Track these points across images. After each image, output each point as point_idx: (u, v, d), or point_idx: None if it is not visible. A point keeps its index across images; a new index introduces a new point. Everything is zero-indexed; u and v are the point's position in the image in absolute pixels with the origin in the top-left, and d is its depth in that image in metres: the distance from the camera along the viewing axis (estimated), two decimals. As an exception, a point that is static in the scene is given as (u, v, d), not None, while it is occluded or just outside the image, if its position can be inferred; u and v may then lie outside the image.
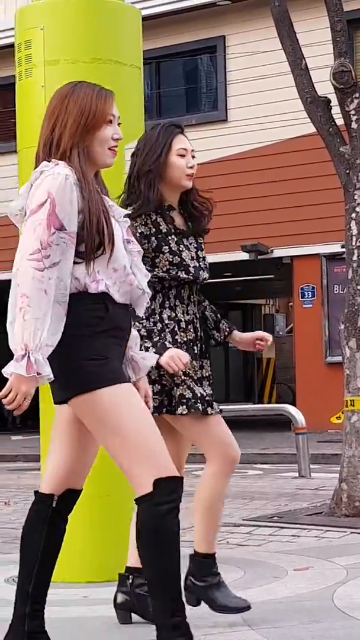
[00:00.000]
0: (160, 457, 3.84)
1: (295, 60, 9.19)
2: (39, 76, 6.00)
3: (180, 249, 4.83)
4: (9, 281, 3.88)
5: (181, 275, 4.79)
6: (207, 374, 4.89)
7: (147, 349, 4.61)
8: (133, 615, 4.88)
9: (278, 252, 18.81)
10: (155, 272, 4.70)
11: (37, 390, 3.78)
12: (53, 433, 4.20)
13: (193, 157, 4.93)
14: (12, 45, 6.66)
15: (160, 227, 4.80)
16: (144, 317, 4.66)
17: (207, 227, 5.04)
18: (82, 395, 3.84)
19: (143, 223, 4.77)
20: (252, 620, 4.85)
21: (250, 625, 4.77)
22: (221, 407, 4.80)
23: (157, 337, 4.72)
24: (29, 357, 3.67)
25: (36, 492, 4.15)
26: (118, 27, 6.11)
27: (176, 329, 4.81)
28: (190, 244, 4.92)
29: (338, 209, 9.64)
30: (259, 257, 18.89)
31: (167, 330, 4.78)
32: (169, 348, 4.63)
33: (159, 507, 3.79)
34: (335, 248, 16.47)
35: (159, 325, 4.78)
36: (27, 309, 3.72)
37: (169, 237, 4.81)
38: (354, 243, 8.59)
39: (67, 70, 5.86)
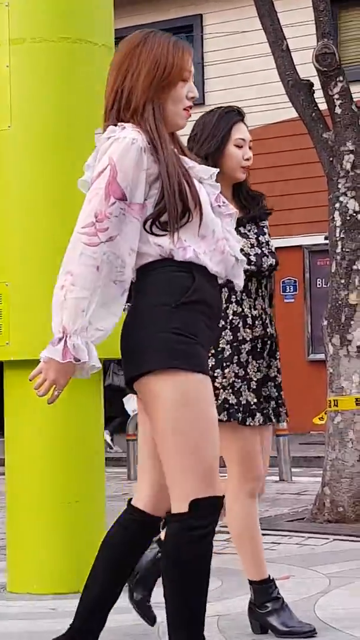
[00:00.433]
0: (213, 474, 3.57)
1: (276, 41, 9.20)
2: (4, 56, 5.92)
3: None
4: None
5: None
6: (273, 374, 4.80)
7: None
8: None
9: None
10: None
11: None
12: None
13: (250, 147, 4.84)
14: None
15: None
16: None
17: (268, 208, 4.93)
18: (155, 375, 3.56)
19: None
20: (232, 633, 4.86)
21: (227, 637, 4.79)
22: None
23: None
24: (66, 341, 3.47)
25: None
26: (88, 4, 6.06)
27: (240, 325, 4.70)
28: (250, 230, 4.82)
29: (321, 198, 9.65)
30: (237, 248, 18.90)
31: (228, 328, 4.67)
32: None
33: (192, 532, 3.56)
34: (319, 240, 16.49)
35: (221, 323, 4.61)
36: (70, 288, 3.49)
37: None
38: (337, 234, 8.60)
39: (34, 50, 5.85)
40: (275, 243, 17.69)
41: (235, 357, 4.66)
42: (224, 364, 4.64)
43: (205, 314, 3.62)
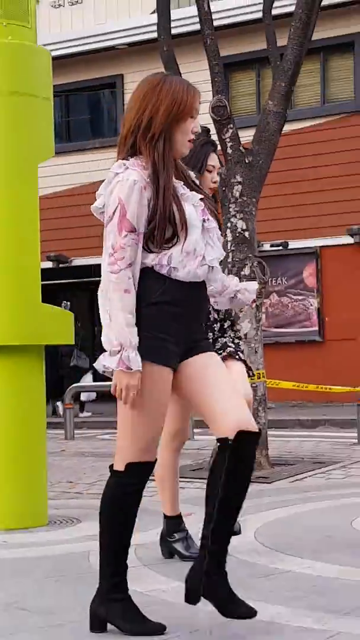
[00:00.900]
0: (150, 445, 3.59)
1: (181, 96, 9.22)
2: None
3: None
4: None
5: None
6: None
7: None
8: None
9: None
10: None
11: None
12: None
13: (219, 174, 4.81)
14: None
15: None
16: None
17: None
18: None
19: None
20: (147, 559, 4.86)
21: (143, 562, 4.78)
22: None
23: None
24: (121, 354, 3.40)
25: (220, 445, 3.59)
26: (32, 65, 6.06)
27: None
28: None
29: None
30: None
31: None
32: None
33: (125, 488, 3.60)
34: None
35: None
36: (112, 312, 3.44)
37: None
38: (229, 247, 8.65)
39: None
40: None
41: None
42: None
43: (175, 311, 3.54)
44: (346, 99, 17.66)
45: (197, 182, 3.75)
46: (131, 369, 3.40)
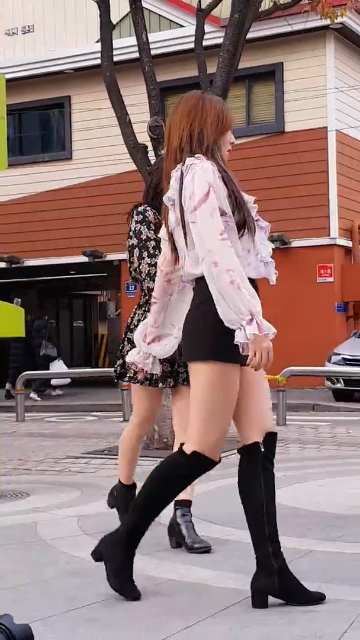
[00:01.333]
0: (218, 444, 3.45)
1: (122, 116, 9.21)
2: None
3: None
4: None
5: None
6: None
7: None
8: None
9: (110, 257, 18.78)
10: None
11: None
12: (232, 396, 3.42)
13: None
14: None
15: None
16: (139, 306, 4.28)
17: None
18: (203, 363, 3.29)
19: (154, 217, 4.28)
20: (88, 528, 4.84)
21: (85, 531, 4.76)
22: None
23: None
24: (256, 320, 3.11)
25: (241, 449, 3.50)
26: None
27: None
28: None
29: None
30: (95, 259, 18.86)
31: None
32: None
33: (180, 470, 3.41)
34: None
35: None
36: (239, 282, 3.12)
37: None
38: (163, 251, 8.64)
39: None
40: (122, 256, 17.49)
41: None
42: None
43: None
44: (268, 121, 17.82)
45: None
46: (267, 333, 3.14)
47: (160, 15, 18.33)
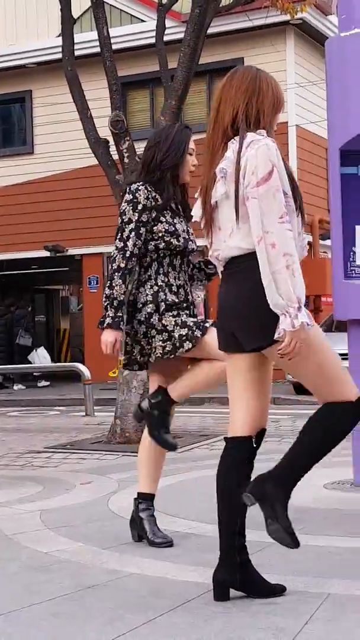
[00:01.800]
0: None
1: (83, 111, 9.16)
2: None
3: (175, 221, 4.19)
4: None
5: (174, 242, 4.15)
6: (193, 313, 4.28)
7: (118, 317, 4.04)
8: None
9: (72, 251, 18.71)
10: (154, 241, 4.14)
11: None
12: (233, 383, 3.37)
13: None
14: None
15: (159, 202, 4.16)
16: (141, 284, 4.14)
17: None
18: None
19: (145, 197, 4.13)
20: (50, 523, 4.82)
21: (47, 526, 4.74)
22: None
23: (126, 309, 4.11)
24: (304, 309, 3.04)
25: (232, 438, 3.34)
26: None
27: (167, 292, 4.14)
28: (181, 221, 4.24)
29: (115, 220, 9.63)
30: (57, 254, 18.77)
31: (160, 292, 4.13)
32: (116, 331, 4.05)
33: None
34: (113, 249, 16.44)
35: (155, 288, 4.13)
36: (295, 267, 3.04)
37: (165, 212, 4.17)
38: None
39: None
40: (84, 251, 17.50)
41: (170, 312, 4.13)
42: (164, 320, 4.10)
43: None
44: (229, 116, 17.85)
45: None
46: (310, 324, 3.07)
47: (121, 10, 18.26)
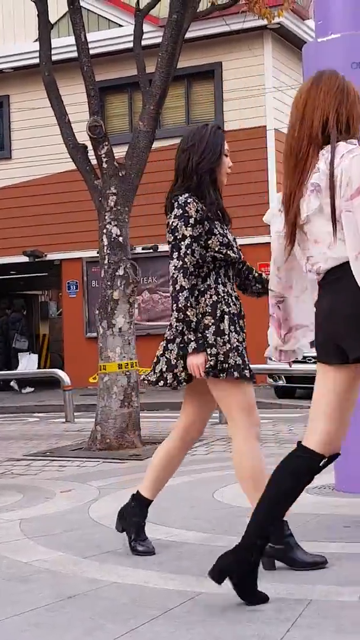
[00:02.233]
0: None
1: (61, 116, 9.15)
2: None
3: (225, 232, 4.00)
4: None
5: (231, 254, 3.97)
6: (245, 346, 4.09)
7: (187, 341, 3.85)
8: None
9: (51, 256, 18.66)
10: (209, 253, 3.92)
11: None
12: (326, 399, 3.26)
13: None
14: None
15: (209, 214, 3.95)
16: (201, 294, 3.93)
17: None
18: None
19: (195, 210, 3.90)
20: (30, 532, 4.79)
21: (27, 535, 4.71)
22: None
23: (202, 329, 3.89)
24: None
25: (306, 448, 3.29)
26: None
27: (230, 302, 3.99)
28: (229, 229, 4.09)
29: (94, 225, 9.62)
30: (36, 259, 18.72)
31: (223, 302, 3.95)
32: (202, 352, 3.85)
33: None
34: (93, 254, 16.46)
35: (215, 298, 3.93)
36: None
37: (216, 222, 3.97)
38: (105, 251, 8.64)
39: None
40: (63, 256, 17.45)
41: (232, 326, 3.97)
42: (224, 333, 3.93)
43: None
44: (208, 120, 17.83)
45: None
46: None
47: (98, 14, 18.25)
